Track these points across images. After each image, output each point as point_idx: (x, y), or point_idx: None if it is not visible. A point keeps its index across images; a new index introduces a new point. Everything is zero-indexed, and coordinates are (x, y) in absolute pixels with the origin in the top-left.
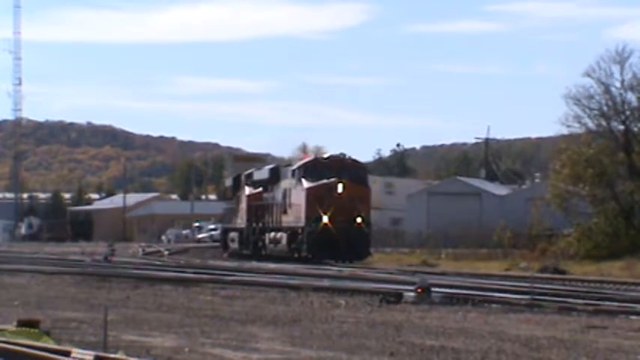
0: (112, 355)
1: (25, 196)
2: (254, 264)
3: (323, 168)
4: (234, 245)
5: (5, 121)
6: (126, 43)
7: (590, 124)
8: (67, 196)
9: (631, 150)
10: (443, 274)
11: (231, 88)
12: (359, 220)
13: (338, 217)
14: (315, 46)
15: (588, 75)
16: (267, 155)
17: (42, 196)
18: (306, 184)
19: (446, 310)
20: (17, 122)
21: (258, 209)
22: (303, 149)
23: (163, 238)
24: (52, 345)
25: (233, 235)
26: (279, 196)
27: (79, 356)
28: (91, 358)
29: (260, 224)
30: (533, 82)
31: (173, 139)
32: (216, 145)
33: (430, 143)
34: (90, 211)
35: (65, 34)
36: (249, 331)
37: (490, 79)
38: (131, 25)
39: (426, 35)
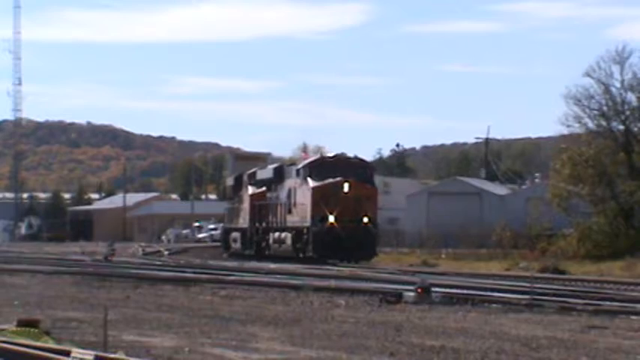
0: (112, 355)
1: (25, 196)
2: (254, 264)
3: (329, 167)
4: (237, 245)
5: (5, 121)
6: (126, 43)
7: (590, 124)
8: (67, 196)
9: (631, 150)
10: (443, 274)
11: (231, 88)
12: (365, 219)
13: (344, 217)
14: (315, 46)
15: (588, 75)
16: (269, 154)
17: (42, 196)
18: (311, 183)
19: (446, 310)
20: (17, 122)
21: (262, 209)
22: (304, 149)
23: (163, 237)
24: (52, 345)
25: (235, 235)
26: (283, 195)
27: (79, 356)
28: (91, 357)
29: (264, 224)
30: (533, 82)
31: (173, 139)
32: (216, 145)
33: (430, 143)
34: (90, 211)
35: (65, 34)
36: (249, 331)
37: (490, 79)
38: (131, 25)
39: (425, 35)
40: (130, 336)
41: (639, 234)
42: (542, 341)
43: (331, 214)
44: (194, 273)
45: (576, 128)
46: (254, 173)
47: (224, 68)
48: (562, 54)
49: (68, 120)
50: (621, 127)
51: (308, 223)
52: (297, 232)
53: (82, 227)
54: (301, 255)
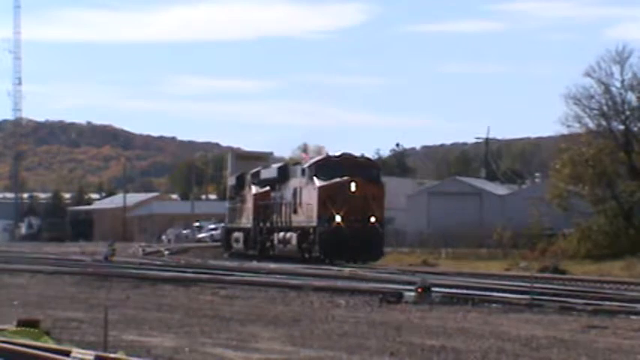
0: (112, 355)
1: (25, 196)
2: (254, 264)
3: (335, 166)
4: (239, 245)
5: (5, 121)
6: (126, 43)
7: (590, 124)
8: (67, 196)
9: (631, 150)
10: (443, 273)
11: (231, 88)
12: (373, 219)
13: (351, 217)
14: (315, 46)
15: (588, 75)
16: (271, 153)
17: (42, 196)
18: (318, 182)
19: (446, 310)
20: (17, 122)
21: (266, 208)
22: (304, 149)
23: (163, 237)
24: (52, 345)
25: (237, 235)
26: (288, 195)
27: (79, 356)
28: (91, 357)
29: (268, 224)
30: (533, 81)
31: (173, 139)
32: (216, 145)
33: (430, 143)
34: (90, 211)
35: (65, 34)
36: (249, 331)
37: (490, 78)
38: (131, 24)
39: (425, 35)
40: (130, 336)
41: (639, 234)
42: (542, 341)
43: (338, 213)
44: (194, 273)
45: (576, 128)
46: (258, 172)
47: (224, 68)
48: (562, 54)
49: (68, 120)
50: (621, 126)
51: (314, 223)
52: (303, 232)
53: (82, 227)
54: (307, 255)
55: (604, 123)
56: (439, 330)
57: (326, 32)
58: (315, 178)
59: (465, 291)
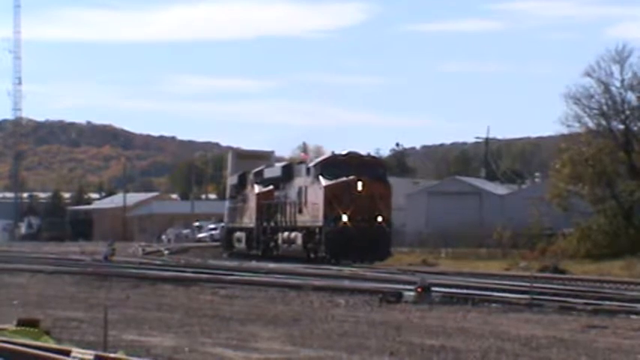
0: (112, 355)
1: (25, 195)
2: (254, 264)
3: (341, 165)
4: (241, 245)
5: (5, 120)
6: (126, 43)
7: (590, 124)
8: (67, 195)
9: (631, 149)
10: (443, 273)
11: (231, 88)
12: (380, 219)
13: (358, 216)
14: (314, 46)
15: (588, 74)
16: (272, 152)
17: (42, 195)
18: (324, 181)
19: (446, 310)
20: (17, 122)
21: (270, 208)
22: (304, 149)
23: (163, 237)
24: (52, 344)
25: (239, 234)
26: (293, 194)
27: (79, 356)
28: (91, 357)
29: (272, 223)
30: (533, 81)
31: (173, 139)
32: (216, 145)
33: (430, 143)
34: (90, 211)
35: (65, 34)
36: (249, 331)
37: (490, 78)
38: (131, 24)
39: (425, 34)
40: (130, 336)
41: (639, 233)
42: (542, 341)
43: (344, 213)
44: (194, 273)
45: (576, 128)
46: (261, 171)
47: (224, 68)
48: (562, 53)
49: (68, 120)
50: (621, 126)
51: (320, 223)
52: (309, 232)
53: (82, 227)
54: (312, 255)
55: (604, 123)
56: (439, 330)
57: (326, 31)
58: (320, 177)
59: (464, 291)
